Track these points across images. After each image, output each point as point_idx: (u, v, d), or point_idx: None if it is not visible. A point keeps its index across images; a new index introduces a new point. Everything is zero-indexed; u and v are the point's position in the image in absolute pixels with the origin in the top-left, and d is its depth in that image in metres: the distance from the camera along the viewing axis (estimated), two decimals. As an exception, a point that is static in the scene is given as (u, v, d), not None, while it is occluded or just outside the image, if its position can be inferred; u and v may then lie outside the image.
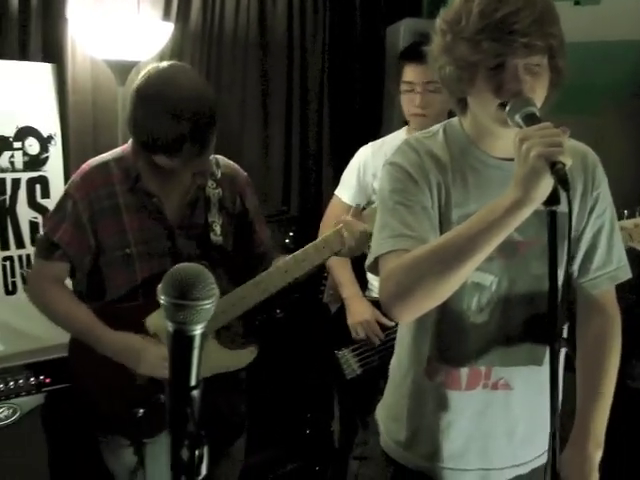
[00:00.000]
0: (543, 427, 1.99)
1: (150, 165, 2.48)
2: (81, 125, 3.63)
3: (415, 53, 3.10)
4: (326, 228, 3.33)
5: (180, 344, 1.29)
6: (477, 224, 1.62)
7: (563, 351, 2.01)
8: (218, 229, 2.59)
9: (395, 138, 3.34)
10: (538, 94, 1.71)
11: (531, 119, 1.60)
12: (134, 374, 2.49)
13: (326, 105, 4.55)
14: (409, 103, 3.19)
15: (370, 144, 3.40)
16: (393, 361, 2.13)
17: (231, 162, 2.72)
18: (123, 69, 3.45)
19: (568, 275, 1.91)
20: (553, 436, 1.57)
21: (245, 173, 2.73)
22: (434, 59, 1.81)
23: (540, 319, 1.88)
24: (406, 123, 3.39)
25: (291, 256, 2.56)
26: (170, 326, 1.28)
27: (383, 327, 3.20)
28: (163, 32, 3.52)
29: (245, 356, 2.64)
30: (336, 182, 3.49)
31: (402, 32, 4.28)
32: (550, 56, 1.71)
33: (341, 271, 3.30)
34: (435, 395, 1.96)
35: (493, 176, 1.84)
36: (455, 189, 1.84)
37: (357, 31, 4.61)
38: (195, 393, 1.32)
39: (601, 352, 1.98)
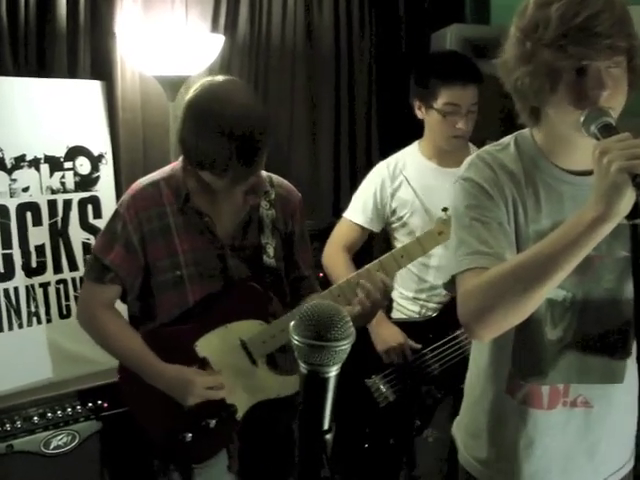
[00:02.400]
0: (624, 443, 1.99)
1: (200, 183, 2.42)
2: (132, 143, 3.59)
3: (461, 73, 3.00)
4: (334, 252, 3.24)
5: (314, 386, 1.23)
6: (558, 242, 1.58)
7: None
8: (271, 251, 2.53)
9: (410, 154, 3.28)
10: (619, 98, 1.67)
11: (607, 130, 1.56)
12: None
13: (374, 116, 4.49)
14: (450, 125, 3.07)
15: (385, 163, 3.31)
16: (468, 379, 2.10)
17: (286, 182, 2.65)
18: (173, 84, 3.39)
19: None
20: None
21: (299, 194, 2.66)
22: (508, 71, 1.76)
23: (615, 334, 1.84)
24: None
25: (345, 279, 2.47)
26: (303, 367, 1.22)
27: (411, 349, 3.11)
28: (213, 45, 3.46)
29: (295, 382, 2.52)
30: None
31: (449, 38, 4.22)
32: (630, 57, 1.67)
33: None
34: (517, 413, 1.92)
35: (565, 191, 1.80)
36: (530, 204, 1.80)
37: (403, 40, 4.54)
38: (328, 437, 1.24)
39: None
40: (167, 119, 3.47)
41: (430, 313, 3.18)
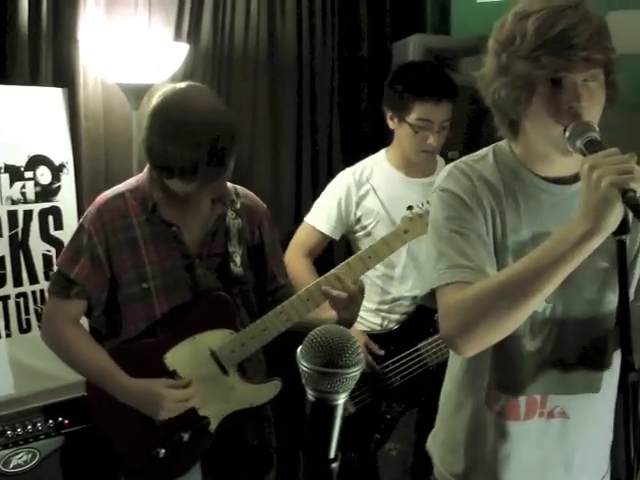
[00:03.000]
0: (599, 454, 1.99)
1: (167, 193, 2.41)
2: (93, 152, 3.52)
3: (436, 89, 2.99)
4: (296, 256, 3.22)
5: (321, 414, 1.18)
6: (545, 256, 1.58)
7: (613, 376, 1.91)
8: (238, 260, 2.51)
9: (377, 162, 3.27)
10: (595, 112, 1.67)
11: (593, 145, 1.57)
12: None
13: (336, 125, 4.47)
14: (421, 140, 3.06)
15: (351, 170, 3.29)
16: (444, 391, 2.09)
17: (250, 193, 2.65)
18: (136, 92, 3.34)
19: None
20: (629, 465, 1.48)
21: (264, 205, 2.66)
22: (486, 83, 1.76)
23: (594, 345, 1.84)
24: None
25: (314, 282, 2.48)
26: (311, 395, 1.17)
27: (376, 358, 3.08)
28: (177, 53, 3.40)
29: (269, 390, 2.55)
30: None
31: (411, 48, 4.22)
32: (607, 72, 1.68)
33: None
34: (494, 426, 1.91)
35: (544, 200, 1.80)
36: (509, 215, 1.79)
37: (365, 48, 4.53)
38: (334, 466, 1.19)
39: None
40: (130, 128, 3.41)
41: (392, 325, 3.17)
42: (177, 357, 2.45)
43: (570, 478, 1.94)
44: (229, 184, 2.52)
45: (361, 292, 2.45)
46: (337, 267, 2.48)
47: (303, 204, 4.42)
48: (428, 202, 2.49)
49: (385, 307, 3.18)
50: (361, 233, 3.21)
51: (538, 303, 1.65)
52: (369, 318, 3.23)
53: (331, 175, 4.45)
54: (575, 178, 1.77)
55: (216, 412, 2.47)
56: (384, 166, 3.23)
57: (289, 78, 4.26)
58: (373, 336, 3.15)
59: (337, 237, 3.26)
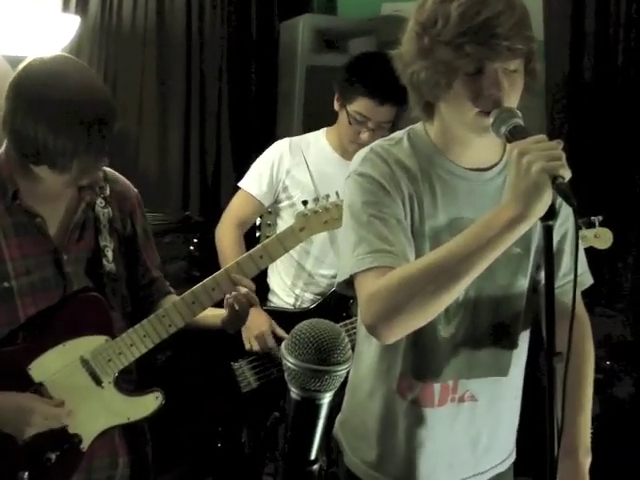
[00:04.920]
0: (504, 436, 2.00)
1: (30, 178, 2.07)
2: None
3: (383, 91, 2.95)
4: (228, 224, 3.18)
5: (306, 414, 1.14)
6: (473, 241, 1.56)
7: (522, 360, 1.96)
8: (110, 254, 2.22)
9: (315, 138, 3.22)
10: (514, 100, 1.67)
11: (519, 131, 1.57)
12: None
13: (225, 104, 4.43)
14: (354, 132, 3.03)
15: (288, 140, 3.24)
16: (352, 378, 2.01)
17: (121, 176, 2.34)
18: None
19: (534, 283, 1.88)
20: (550, 449, 1.49)
21: (136, 190, 2.36)
22: (405, 64, 1.73)
23: (504, 327, 1.86)
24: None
25: (199, 285, 2.25)
26: (296, 394, 1.13)
27: (279, 339, 3.07)
28: (67, 25, 3.27)
29: (149, 404, 2.27)
30: (235, 185, 3.32)
31: (301, 28, 4.24)
32: (527, 60, 1.68)
33: None
34: (408, 413, 1.89)
35: (459, 186, 1.79)
36: (425, 200, 1.78)
37: (254, 27, 4.51)
38: (316, 468, 1.15)
39: (579, 358, 1.93)
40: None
41: (306, 305, 3.15)
42: (44, 367, 2.13)
43: (476, 459, 1.95)
44: None
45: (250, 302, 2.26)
46: (227, 266, 2.30)
47: (191, 189, 4.39)
48: (324, 197, 2.46)
49: (300, 283, 3.16)
50: (285, 203, 3.16)
51: (464, 287, 1.63)
52: (283, 297, 3.21)
53: (219, 158, 4.47)
54: (490, 165, 1.80)
55: (89, 429, 2.18)
56: (321, 143, 3.20)
57: (177, 56, 4.20)
58: (286, 314, 3.12)
59: (266, 203, 3.19)
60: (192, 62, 4.26)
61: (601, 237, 2.77)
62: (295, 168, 3.13)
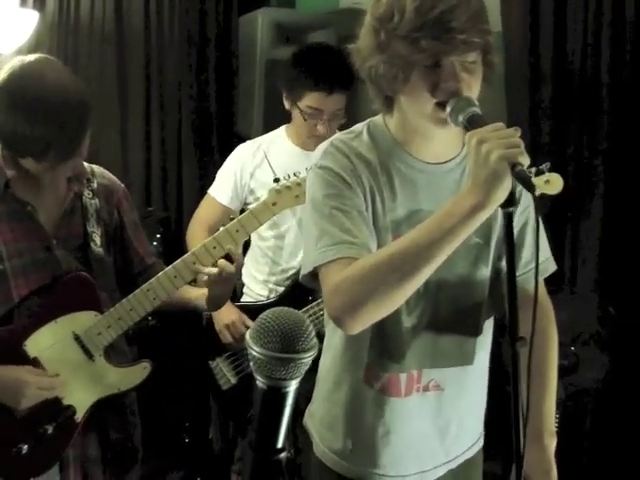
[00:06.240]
0: (472, 423, 2.03)
1: (20, 170, 2.26)
2: None
3: (329, 79, 2.96)
4: (197, 228, 3.19)
5: (273, 402, 1.14)
6: (434, 230, 1.58)
7: (486, 348, 1.99)
8: (98, 240, 2.39)
9: (276, 137, 3.24)
10: (473, 91, 1.68)
11: (476, 120, 1.58)
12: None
13: (185, 99, 4.39)
14: (311, 127, 3.04)
15: (249, 142, 3.26)
16: (321, 368, 2.04)
17: (108, 172, 2.52)
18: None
19: (497, 272, 1.90)
20: (516, 434, 1.51)
21: (122, 185, 2.54)
22: (363, 58, 1.75)
23: (466, 318, 1.88)
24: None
25: (180, 260, 2.39)
26: (262, 382, 1.12)
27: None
28: (25, 21, 3.24)
29: (138, 373, 2.43)
30: (197, 179, 3.31)
31: (260, 22, 4.24)
32: (485, 52, 1.69)
33: None
34: (375, 403, 1.91)
35: (418, 179, 1.81)
36: (385, 193, 1.79)
37: (212, 22, 4.46)
38: (283, 456, 1.15)
39: (543, 344, 1.97)
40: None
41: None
42: (38, 343, 2.30)
43: (445, 449, 1.98)
44: (85, 163, 2.40)
45: (237, 267, 2.38)
46: (205, 241, 2.40)
47: (153, 185, 4.37)
48: (295, 174, 2.48)
49: (274, 279, 3.17)
50: (253, 204, 3.17)
51: (427, 276, 1.63)
52: (257, 290, 3.22)
53: (181, 154, 4.44)
54: (450, 157, 1.81)
55: (82, 400, 2.34)
56: (282, 141, 3.20)
57: (136, 52, 4.17)
58: (256, 307, 3.12)
59: (235, 208, 3.20)
60: (151, 58, 4.23)
61: (551, 182, 2.80)
62: (258, 170, 3.14)
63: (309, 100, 2.98)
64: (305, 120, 3.01)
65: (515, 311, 1.52)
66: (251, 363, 1.13)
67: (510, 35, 3.72)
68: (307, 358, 1.12)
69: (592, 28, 3.51)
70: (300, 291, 2.96)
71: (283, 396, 1.13)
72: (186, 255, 2.39)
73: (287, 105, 3.10)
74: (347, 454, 1.96)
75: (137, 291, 2.36)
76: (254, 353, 1.11)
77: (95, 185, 2.42)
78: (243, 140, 3.35)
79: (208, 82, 4.48)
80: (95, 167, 2.47)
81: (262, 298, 3.20)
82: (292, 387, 1.13)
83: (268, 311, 1.15)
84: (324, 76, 2.95)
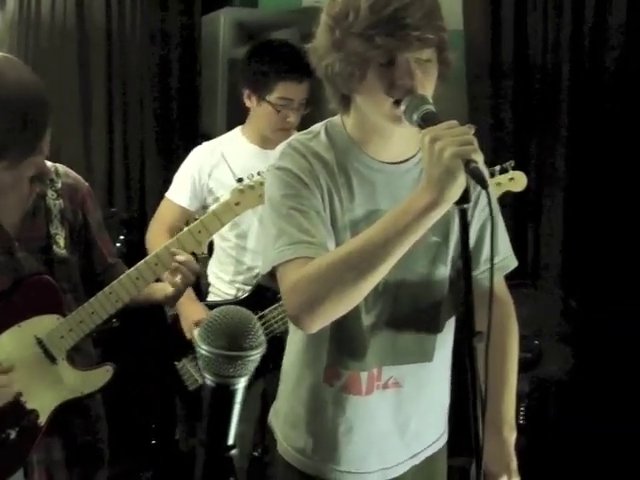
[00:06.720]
0: (433, 419, 2.04)
1: None
2: None
3: (298, 69, 2.98)
4: (157, 232, 3.18)
5: (222, 400, 1.14)
6: (389, 228, 1.59)
7: (449, 345, 2.01)
8: (62, 242, 2.35)
9: (232, 137, 3.24)
10: (428, 88, 1.69)
11: (431, 117, 1.58)
12: None
13: (147, 99, 4.37)
14: (282, 118, 3.05)
15: (205, 144, 3.26)
16: (284, 366, 2.07)
17: (72, 171, 2.48)
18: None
19: (457, 270, 1.90)
20: (475, 428, 1.51)
21: (87, 184, 2.50)
22: (319, 57, 1.75)
23: (426, 316, 1.89)
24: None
25: (142, 261, 2.38)
26: (210, 380, 1.13)
27: None
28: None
29: (101, 376, 2.40)
30: (161, 180, 3.31)
31: (222, 21, 4.24)
32: (440, 49, 1.70)
33: None
34: (336, 401, 1.92)
35: (377, 179, 1.82)
36: (343, 193, 1.80)
37: (174, 22, 4.45)
38: (234, 453, 1.15)
39: (503, 339, 1.99)
40: None
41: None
42: (1, 348, 2.26)
43: (406, 444, 1.99)
44: (49, 163, 2.34)
45: (192, 271, 2.38)
46: (167, 242, 2.39)
47: (115, 185, 4.35)
48: (259, 173, 2.48)
49: (240, 278, 3.16)
50: (213, 205, 3.16)
51: (383, 274, 1.64)
52: (224, 289, 3.21)
53: (143, 154, 4.42)
54: (408, 156, 1.82)
55: (45, 404, 2.32)
56: (239, 141, 3.20)
57: (98, 50, 4.15)
58: (224, 305, 3.11)
59: (194, 209, 3.20)
60: (113, 56, 4.21)
61: (515, 179, 2.85)
62: (216, 170, 3.14)
63: (281, 91, 3.00)
64: (278, 112, 3.02)
65: (471, 306, 1.52)
66: (199, 361, 1.15)
67: (471, 33, 3.75)
68: (254, 355, 1.13)
69: (552, 25, 3.55)
70: (268, 289, 2.97)
71: (232, 393, 1.14)
72: (148, 257, 2.37)
73: (250, 103, 3.10)
74: (310, 452, 1.97)
75: (99, 294, 2.33)
76: (202, 351, 1.12)
77: (59, 185, 2.38)
78: (207, 139, 3.34)
79: (171, 82, 4.47)
80: (59, 166, 2.42)
81: (229, 297, 3.20)
82: (241, 384, 1.14)
83: (215, 310, 1.16)
84: (294, 65, 2.98)
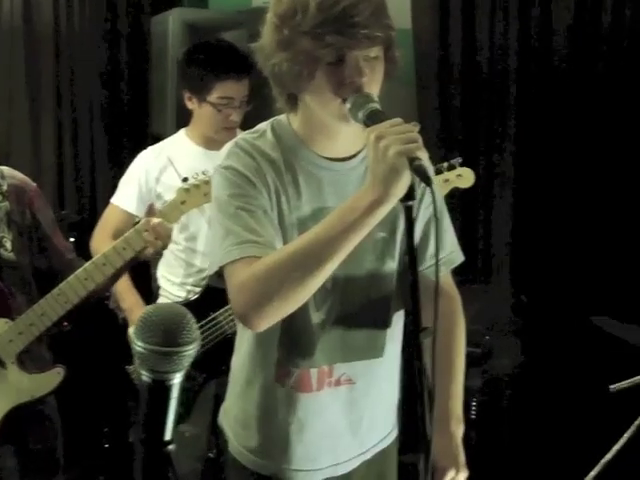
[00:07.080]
0: (384, 414, 2.05)
1: None
2: None
3: (235, 67, 2.97)
4: (103, 238, 3.13)
5: (158, 396, 1.14)
6: (335, 226, 1.60)
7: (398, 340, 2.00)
8: (9, 244, 2.33)
9: (177, 140, 3.22)
10: (375, 86, 1.70)
11: (376, 115, 1.59)
12: None
13: (96, 100, 4.34)
14: (224, 117, 3.03)
15: (150, 149, 3.23)
16: (233, 366, 2.05)
17: (18, 172, 2.45)
18: None
19: (404, 265, 1.90)
20: (422, 422, 1.53)
21: (34, 184, 2.48)
22: (266, 56, 1.74)
23: (375, 311, 1.90)
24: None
25: (90, 261, 2.37)
26: (146, 376, 1.13)
27: None
28: None
29: (51, 379, 2.38)
30: (111, 181, 3.29)
31: (171, 22, 4.17)
32: (387, 47, 1.71)
33: (119, 282, 2.99)
34: (287, 400, 1.92)
35: (324, 177, 1.82)
36: (290, 191, 1.80)
37: (124, 22, 4.43)
38: (172, 448, 1.16)
39: (450, 332, 2.00)
40: None
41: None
42: None
43: (358, 440, 1.99)
44: None
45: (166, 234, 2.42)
46: (115, 242, 2.40)
47: (66, 187, 4.31)
48: (203, 173, 2.47)
49: (190, 280, 3.14)
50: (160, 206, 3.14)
51: (330, 272, 1.65)
52: (174, 292, 3.18)
53: (93, 156, 4.37)
54: (354, 153, 1.82)
55: None
56: (184, 143, 3.18)
57: (46, 51, 4.11)
58: None
59: (140, 214, 3.15)
60: (61, 57, 4.17)
61: (463, 176, 2.87)
62: (163, 174, 3.11)
63: (220, 91, 2.98)
64: (219, 112, 3.00)
65: (417, 302, 1.54)
66: (135, 358, 1.15)
67: (420, 32, 3.78)
68: (189, 351, 1.13)
69: (500, 23, 3.60)
70: (219, 291, 2.95)
71: (167, 389, 1.14)
72: (96, 257, 2.36)
73: (192, 105, 3.09)
74: (262, 451, 1.97)
75: (48, 295, 2.31)
76: (137, 348, 1.12)
77: (5, 187, 2.35)
78: (157, 140, 3.32)
79: (120, 82, 4.44)
80: (5, 168, 2.40)
81: (179, 299, 3.18)
82: (176, 380, 1.14)
83: (149, 307, 1.17)
84: (230, 64, 2.97)
